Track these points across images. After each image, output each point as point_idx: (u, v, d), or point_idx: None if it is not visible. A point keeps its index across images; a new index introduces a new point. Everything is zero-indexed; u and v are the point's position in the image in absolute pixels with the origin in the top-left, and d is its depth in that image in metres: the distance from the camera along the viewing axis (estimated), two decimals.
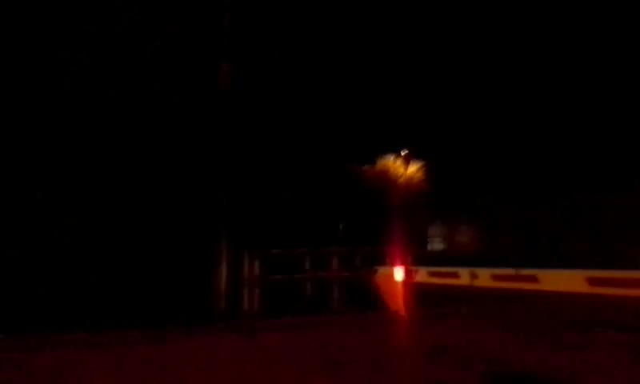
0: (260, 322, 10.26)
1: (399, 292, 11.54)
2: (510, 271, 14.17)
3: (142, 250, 11.15)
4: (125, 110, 11.27)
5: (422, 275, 14.88)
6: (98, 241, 11.08)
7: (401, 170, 34.02)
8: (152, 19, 11.45)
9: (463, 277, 15.08)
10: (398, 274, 11.70)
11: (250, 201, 12.28)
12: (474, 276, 14.62)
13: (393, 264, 12.19)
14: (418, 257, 16.65)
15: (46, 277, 10.39)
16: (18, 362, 7.27)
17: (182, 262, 11.26)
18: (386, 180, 33.47)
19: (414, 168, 34.49)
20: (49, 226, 10.71)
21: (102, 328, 9.17)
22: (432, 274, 15.45)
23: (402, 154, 34.01)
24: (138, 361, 7.31)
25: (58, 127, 10.87)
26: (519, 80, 34.05)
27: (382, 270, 13.09)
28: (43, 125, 10.79)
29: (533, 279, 13.72)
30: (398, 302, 11.57)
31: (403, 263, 11.74)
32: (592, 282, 12.97)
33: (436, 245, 36.97)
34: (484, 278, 14.52)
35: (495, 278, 14.32)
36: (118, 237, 11.19)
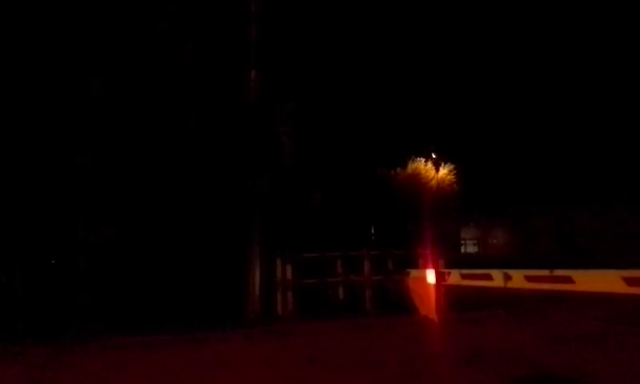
0: (294, 326, 10.37)
1: (431, 295, 11.53)
2: (545, 272, 13.95)
3: (178, 256, 11.40)
4: (158, 120, 11.56)
5: (454, 278, 14.78)
6: (135, 248, 11.37)
7: (432, 173, 33.88)
8: (180, 29, 11.74)
9: (497, 278, 14.91)
10: (430, 276, 11.70)
11: (282, 206, 12.44)
12: (507, 277, 14.44)
13: (425, 267, 12.18)
14: (451, 260, 16.54)
15: (84, 283, 10.72)
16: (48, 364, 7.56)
17: (216, 267, 11.46)
18: (418, 183, 33.36)
19: (445, 171, 34.32)
20: (86, 235, 11.06)
21: (137, 332, 9.41)
22: (465, 277, 15.32)
23: (433, 156, 33.88)
24: (176, 364, 7.51)
25: (91, 137, 11.23)
26: (553, 85, 33.57)
27: (414, 272, 13.09)
28: (76, 135, 11.16)
29: (568, 280, 13.51)
30: (431, 304, 11.57)
31: (435, 266, 11.72)
32: (630, 282, 12.71)
33: (470, 247, 36.62)
34: (518, 279, 14.32)
35: (529, 279, 14.11)
36: (154, 244, 11.46)
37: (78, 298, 10.38)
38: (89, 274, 10.72)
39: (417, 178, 33.87)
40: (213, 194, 11.97)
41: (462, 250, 36.27)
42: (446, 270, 12.55)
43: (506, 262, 18.45)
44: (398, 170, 33.71)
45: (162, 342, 8.93)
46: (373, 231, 17.74)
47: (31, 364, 7.55)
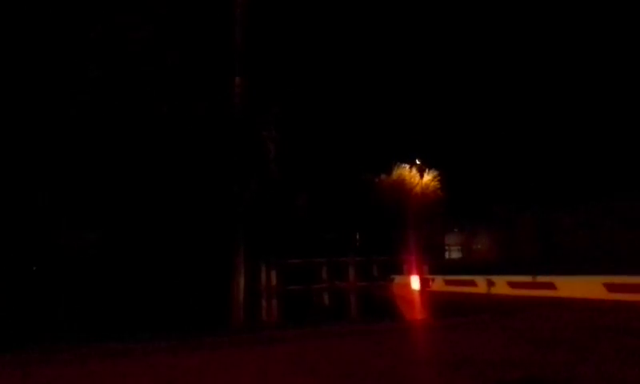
0: (279, 333, 10.35)
1: (416, 301, 11.61)
2: (527, 278, 14.09)
3: (161, 262, 11.34)
4: (142, 127, 11.51)
5: (438, 284, 14.86)
6: (118, 254, 11.29)
7: (416, 179, 34.05)
8: (164, 35, 11.71)
9: (480, 285, 15.03)
10: (414, 282, 11.78)
11: (266, 211, 12.43)
12: (490, 284, 14.58)
13: (410, 273, 12.26)
14: (435, 266, 16.63)
15: (69, 289, 10.62)
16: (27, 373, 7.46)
17: (200, 274, 11.42)
18: (402, 189, 33.51)
19: (429, 177, 34.52)
20: (71, 241, 10.97)
21: (118, 340, 9.33)
22: (449, 283, 15.42)
23: (417, 163, 34.06)
24: (160, 371, 7.45)
25: (76, 143, 11.15)
26: (537, 89, 34.00)
27: (398, 279, 13.16)
28: (61, 140, 11.07)
29: (550, 286, 13.65)
30: (415, 310, 11.64)
31: (419, 272, 11.80)
32: (610, 288, 12.87)
33: (454, 253, 36.83)
34: (501, 285, 14.45)
35: (512, 285, 14.25)
36: (137, 250, 11.39)
37: (56, 306, 10.27)
38: (69, 280, 10.61)
39: (401, 184, 34.01)
40: (197, 199, 11.93)
41: (447, 255, 36.46)
42: (430, 276, 12.64)
43: (489, 268, 18.61)
44: (383, 176, 33.84)
45: (142, 350, 8.84)
46: (358, 237, 17.80)
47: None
